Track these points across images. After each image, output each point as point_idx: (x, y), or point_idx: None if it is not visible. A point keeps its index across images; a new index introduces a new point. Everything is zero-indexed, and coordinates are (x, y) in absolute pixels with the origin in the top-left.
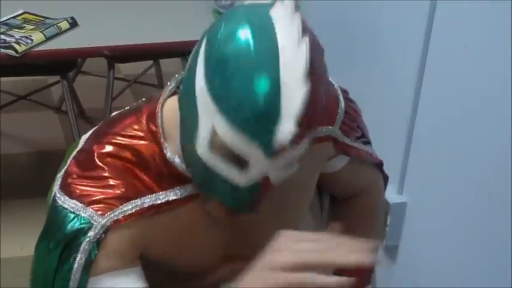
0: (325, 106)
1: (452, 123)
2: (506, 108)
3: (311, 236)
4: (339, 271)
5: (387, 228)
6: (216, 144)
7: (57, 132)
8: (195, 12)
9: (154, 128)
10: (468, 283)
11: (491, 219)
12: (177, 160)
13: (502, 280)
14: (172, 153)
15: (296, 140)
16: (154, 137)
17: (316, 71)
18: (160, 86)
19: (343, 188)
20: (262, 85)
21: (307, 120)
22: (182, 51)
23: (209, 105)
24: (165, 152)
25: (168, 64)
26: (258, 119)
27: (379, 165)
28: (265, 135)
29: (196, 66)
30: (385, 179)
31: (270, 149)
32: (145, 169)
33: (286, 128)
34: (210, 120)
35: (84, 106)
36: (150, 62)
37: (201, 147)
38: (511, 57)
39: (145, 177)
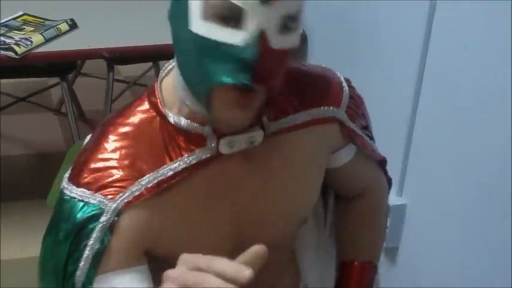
0: None
1: (451, 125)
2: (506, 109)
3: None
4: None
5: (387, 230)
6: (208, 9)
7: (57, 134)
8: None
9: (154, 100)
10: (468, 284)
11: (490, 220)
12: (183, 121)
13: (502, 281)
14: (176, 116)
15: None
16: (155, 108)
17: None
18: None
19: (348, 185)
20: None
21: None
22: None
23: None
24: (168, 118)
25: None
26: None
27: (382, 165)
28: None
29: None
30: (389, 181)
31: None
32: (150, 144)
33: None
34: None
35: (84, 108)
36: (150, 64)
37: (194, 20)
38: (511, 58)
39: (151, 153)
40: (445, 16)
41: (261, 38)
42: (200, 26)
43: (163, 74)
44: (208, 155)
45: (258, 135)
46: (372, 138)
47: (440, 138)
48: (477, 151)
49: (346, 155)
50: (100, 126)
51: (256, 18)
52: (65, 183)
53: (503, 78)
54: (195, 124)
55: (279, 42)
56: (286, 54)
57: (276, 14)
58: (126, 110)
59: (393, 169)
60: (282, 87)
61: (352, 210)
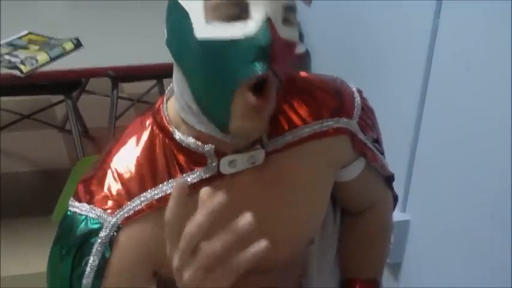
0: None
1: (454, 142)
2: (507, 129)
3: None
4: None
5: (390, 246)
6: (211, 11)
7: (61, 151)
8: None
9: (159, 117)
10: None
11: (493, 238)
12: (187, 139)
13: None
14: (182, 135)
15: None
16: (159, 125)
17: None
18: None
19: (355, 200)
20: None
21: None
22: None
23: None
24: (174, 135)
25: (170, 83)
26: None
27: (389, 181)
28: None
29: None
30: (395, 198)
31: None
32: (152, 161)
33: None
34: None
35: (88, 125)
36: (154, 81)
37: (198, 26)
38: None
39: (153, 169)
40: (447, 38)
41: (270, 25)
42: (205, 29)
43: (168, 95)
44: (209, 175)
45: (258, 155)
46: (382, 153)
47: (443, 155)
48: (480, 168)
49: (355, 169)
50: (110, 142)
51: (261, 7)
52: (70, 200)
53: (504, 99)
54: (198, 143)
55: (284, 32)
56: (292, 47)
57: (279, 4)
58: (131, 127)
59: (397, 185)
60: (290, 99)
61: (357, 226)
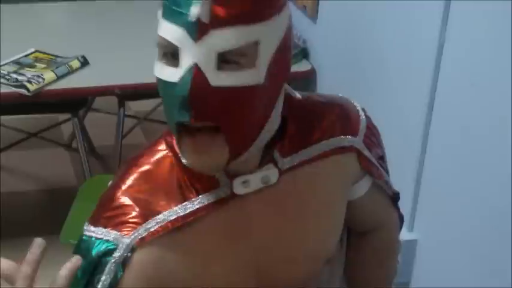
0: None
1: (462, 160)
2: None
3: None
4: None
5: (398, 265)
6: (159, 50)
7: (68, 169)
8: None
9: (170, 140)
10: None
11: (502, 257)
12: None
13: None
14: None
15: (218, 21)
16: (171, 148)
17: None
18: None
19: (360, 219)
20: None
21: (230, 2)
22: None
23: (158, 19)
24: (183, 160)
25: None
26: (178, 2)
27: (394, 200)
28: (186, 16)
29: None
30: (401, 218)
31: (190, 27)
32: (166, 183)
33: (200, 4)
34: (158, 32)
35: (95, 143)
36: (160, 99)
37: (155, 62)
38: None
39: (167, 192)
40: (453, 54)
41: (194, 73)
42: (156, 67)
43: None
44: (223, 196)
45: (271, 174)
46: (387, 171)
47: (451, 174)
48: (488, 187)
49: (362, 188)
50: (122, 165)
51: (188, 54)
52: (85, 225)
53: (509, 114)
54: None
55: (219, 79)
56: (234, 92)
57: (210, 50)
58: (146, 149)
59: (404, 204)
60: (297, 119)
61: (364, 246)
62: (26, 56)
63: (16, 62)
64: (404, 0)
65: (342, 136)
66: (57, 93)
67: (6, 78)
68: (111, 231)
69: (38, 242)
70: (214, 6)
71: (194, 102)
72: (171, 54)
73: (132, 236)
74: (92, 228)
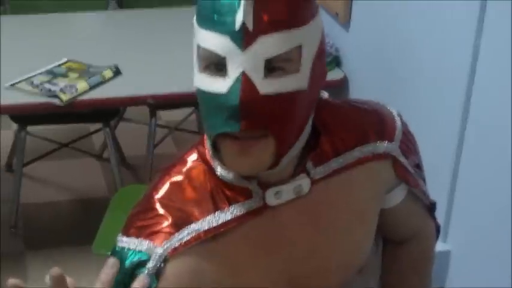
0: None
1: (497, 170)
2: None
3: None
4: None
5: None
6: (202, 62)
7: (99, 179)
8: None
9: (202, 150)
10: None
11: None
12: (229, 175)
13: None
14: (223, 169)
15: (264, 27)
16: (203, 158)
17: None
18: (201, 132)
19: (395, 228)
20: None
21: (272, 8)
22: None
23: (195, 29)
24: (216, 171)
25: None
26: (220, 11)
27: (431, 210)
28: (230, 24)
29: None
30: (437, 228)
31: (235, 36)
32: (199, 193)
33: (244, 11)
34: (196, 42)
35: (126, 153)
36: (191, 109)
37: (196, 74)
38: None
39: (200, 202)
40: (489, 58)
41: (243, 82)
42: (198, 79)
43: None
44: (255, 207)
45: (304, 184)
46: (423, 179)
47: (486, 183)
48: None
49: (397, 196)
50: (156, 175)
51: (236, 63)
52: (118, 236)
53: None
54: (240, 177)
55: (267, 86)
56: (281, 99)
57: (258, 57)
58: (178, 159)
59: (437, 214)
60: (332, 126)
61: (400, 255)
62: (59, 65)
63: (49, 72)
64: (438, 6)
65: (378, 142)
66: (90, 103)
67: (39, 89)
68: (143, 241)
69: (112, 262)
70: (258, 12)
71: (245, 112)
72: (214, 65)
73: (165, 246)
74: (125, 238)
